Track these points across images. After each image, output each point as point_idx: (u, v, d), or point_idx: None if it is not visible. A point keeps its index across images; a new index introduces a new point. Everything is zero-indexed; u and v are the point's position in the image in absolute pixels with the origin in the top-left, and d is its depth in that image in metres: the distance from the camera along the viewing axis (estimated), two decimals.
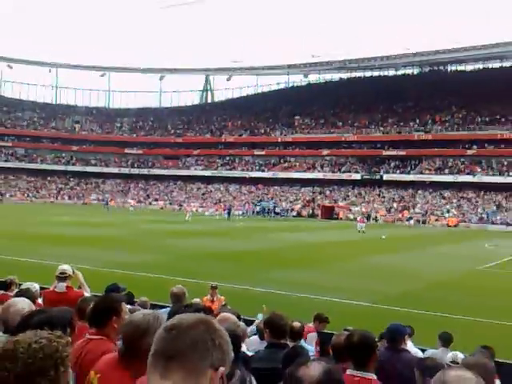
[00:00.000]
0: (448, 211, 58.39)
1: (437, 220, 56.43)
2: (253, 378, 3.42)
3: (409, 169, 66.52)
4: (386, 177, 66.13)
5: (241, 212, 58.61)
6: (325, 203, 64.65)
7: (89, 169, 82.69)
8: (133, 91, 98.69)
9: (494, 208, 57.25)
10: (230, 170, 77.39)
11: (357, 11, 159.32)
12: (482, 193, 60.01)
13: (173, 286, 6.63)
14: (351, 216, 58.16)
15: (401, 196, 64.18)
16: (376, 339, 5.90)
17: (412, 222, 56.25)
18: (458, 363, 4.70)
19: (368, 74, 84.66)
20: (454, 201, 60.56)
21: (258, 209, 63.01)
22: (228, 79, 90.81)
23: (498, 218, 55.04)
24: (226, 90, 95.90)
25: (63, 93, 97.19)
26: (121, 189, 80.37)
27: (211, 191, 75.23)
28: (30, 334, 1.53)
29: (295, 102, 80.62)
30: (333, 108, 78.29)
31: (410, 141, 66.90)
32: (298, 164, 74.11)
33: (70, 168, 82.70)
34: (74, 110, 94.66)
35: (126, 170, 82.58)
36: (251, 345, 5.40)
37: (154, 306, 7.21)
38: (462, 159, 64.13)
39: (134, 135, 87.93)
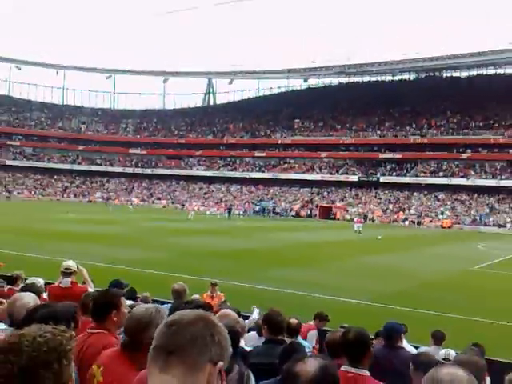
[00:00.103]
0: (442, 213, 58.40)
1: (431, 221, 56.42)
2: (250, 373, 3.42)
3: (405, 171, 66.52)
4: (382, 179, 66.14)
5: (241, 211, 58.61)
6: (323, 204, 64.68)
7: (94, 168, 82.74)
8: (137, 93, 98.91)
9: (487, 210, 57.25)
10: (231, 170, 77.42)
11: (356, 18, 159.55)
12: (476, 195, 60.00)
13: (174, 283, 6.63)
14: (348, 216, 58.19)
15: (396, 198, 64.18)
16: (371, 337, 5.91)
17: (407, 223, 56.29)
18: (450, 360, 4.70)
19: (366, 79, 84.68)
20: (448, 203, 60.56)
21: (257, 208, 63.03)
22: (230, 83, 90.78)
23: (491, 219, 55.03)
24: (227, 93, 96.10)
25: (70, 94, 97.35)
26: (125, 187, 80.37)
27: (213, 191, 75.23)
28: (35, 327, 1.53)
29: (295, 105, 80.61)
30: (331, 112, 78.28)
31: (406, 144, 66.90)
32: (297, 165, 74.13)
33: (76, 167, 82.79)
34: (80, 110, 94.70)
35: (130, 170, 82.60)
36: (249, 340, 5.39)
37: (155, 302, 7.21)
38: (456, 163, 64.14)
39: (138, 136, 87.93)
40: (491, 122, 64.85)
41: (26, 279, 7.10)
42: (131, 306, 3.93)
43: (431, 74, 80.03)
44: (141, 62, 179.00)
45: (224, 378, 1.35)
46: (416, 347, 6.75)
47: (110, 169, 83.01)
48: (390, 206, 62.33)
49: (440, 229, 52.73)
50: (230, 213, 53.63)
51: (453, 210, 58.84)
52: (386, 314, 12.20)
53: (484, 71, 76.14)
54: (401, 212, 60.15)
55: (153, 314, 2.50)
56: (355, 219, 44.78)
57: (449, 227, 53.68)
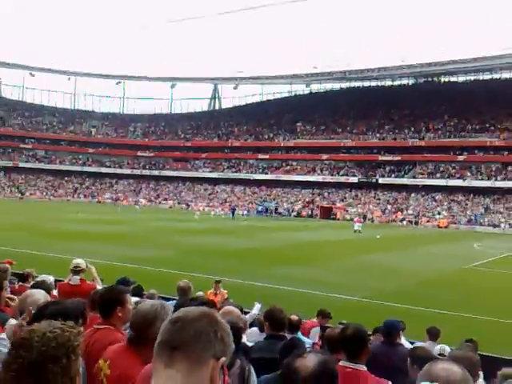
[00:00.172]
0: (439, 213, 58.26)
1: (428, 221, 56.29)
2: (252, 368, 3.42)
3: (403, 173, 66.40)
4: (381, 180, 66.03)
5: (245, 212, 58.58)
6: (323, 204, 64.63)
7: (103, 170, 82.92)
8: (146, 98, 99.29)
9: (482, 210, 57.09)
10: (236, 172, 77.45)
11: (356, 25, 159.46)
12: (472, 196, 59.84)
13: (179, 281, 6.63)
14: (348, 217, 58.13)
15: (395, 198, 64.05)
16: (369, 333, 5.89)
17: (405, 222, 56.19)
18: (445, 356, 4.68)
19: (366, 84, 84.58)
20: (445, 203, 60.41)
21: (260, 209, 63.01)
22: (235, 88, 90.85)
23: (486, 220, 54.86)
24: (232, 97, 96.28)
25: (81, 99, 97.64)
26: (133, 189, 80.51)
27: (217, 192, 75.26)
28: (45, 323, 1.54)
29: (297, 109, 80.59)
30: (332, 115, 78.21)
31: (404, 147, 66.80)
32: (299, 167, 74.09)
33: (86, 169, 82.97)
34: (90, 115, 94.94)
35: (138, 172, 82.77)
36: (251, 336, 5.39)
37: (161, 299, 7.21)
38: (452, 164, 63.98)
39: (146, 139, 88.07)
40: (487, 125, 64.68)
41: (36, 276, 7.12)
42: (137, 303, 3.93)
43: (429, 79, 79.89)
44: (149, 68, 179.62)
45: (226, 373, 1.36)
46: (412, 343, 6.74)
47: (118, 171, 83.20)
48: (389, 207, 62.22)
49: (437, 228, 52.61)
50: (233, 213, 53.64)
51: (449, 211, 58.70)
52: (384, 311, 12.19)
53: (480, 76, 75.95)
54: (399, 212, 60.04)
55: (158, 310, 2.51)
56: (355, 219, 44.69)
57: (445, 227, 53.54)
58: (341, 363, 3.03)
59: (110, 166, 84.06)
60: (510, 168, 59.85)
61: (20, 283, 6.89)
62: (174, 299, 6.56)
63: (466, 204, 59.23)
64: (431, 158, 65.10)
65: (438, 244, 33.88)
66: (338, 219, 58.98)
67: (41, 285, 4.93)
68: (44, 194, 74.21)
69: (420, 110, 70.50)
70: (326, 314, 7.46)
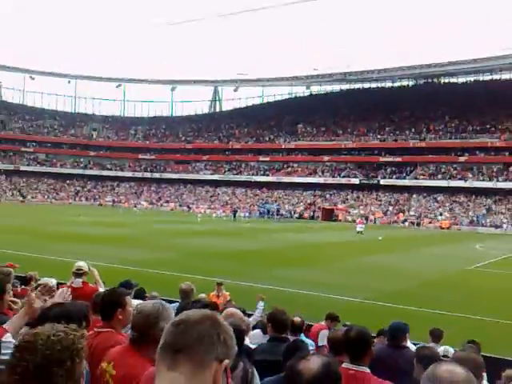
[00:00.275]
0: (441, 214, 58.20)
1: (430, 222, 56.22)
2: (255, 370, 3.42)
3: (404, 174, 66.37)
4: (382, 181, 66.01)
5: (247, 214, 58.54)
6: (325, 206, 64.60)
7: (105, 173, 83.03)
8: (146, 101, 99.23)
9: (484, 211, 57.02)
10: (237, 174, 77.47)
11: (356, 27, 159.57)
12: (473, 197, 59.79)
13: (181, 283, 6.63)
14: (350, 218, 58.10)
15: (396, 199, 64.01)
16: (373, 335, 5.87)
17: (407, 224, 56.13)
18: (448, 357, 4.67)
19: (366, 85, 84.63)
20: (447, 204, 60.35)
21: (261, 211, 62.99)
22: (235, 90, 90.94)
23: (488, 220, 54.80)
24: (233, 100, 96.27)
25: (82, 102, 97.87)
26: (134, 191, 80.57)
27: (219, 194, 75.28)
28: (48, 327, 1.54)
29: (298, 111, 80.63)
30: (333, 117, 78.23)
31: (405, 148, 66.80)
32: (300, 169, 74.09)
33: (88, 172, 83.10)
34: (91, 118, 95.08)
35: (139, 174, 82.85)
36: (254, 338, 5.39)
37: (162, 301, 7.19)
38: (454, 165, 63.94)
39: (147, 142, 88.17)
40: (488, 126, 64.65)
41: (39, 279, 7.12)
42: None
43: (429, 80, 79.91)
44: (149, 71, 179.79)
45: (229, 376, 1.36)
46: (415, 345, 6.73)
47: (120, 173, 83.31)
48: (390, 208, 62.19)
49: (439, 229, 52.55)
50: (235, 215, 53.65)
51: (451, 212, 58.64)
52: (386, 312, 12.18)
53: (481, 77, 75.95)
54: (401, 213, 59.99)
55: (160, 310, 2.55)
56: (357, 220, 44.68)
57: (447, 228, 53.50)
58: (344, 365, 3.03)
59: (111, 169, 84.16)
60: (511, 169, 59.80)
61: (22, 286, 6.89)
62: (176, 301, 6.54)
63: (468, 205, 59.17)
64: (432, 159, 65.08)
65: (440, 245, 33.83)
66: (340, 221, 58.97)
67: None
68: (45, 197, 74.29)
69: (420, 111, 70.49)
70: (335, 317, 7.47)
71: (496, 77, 74.30)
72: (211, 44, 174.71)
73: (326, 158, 72.36)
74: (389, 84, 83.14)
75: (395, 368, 4.18)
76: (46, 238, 25.01)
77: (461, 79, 77.79)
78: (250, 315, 7.17)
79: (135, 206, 63.30)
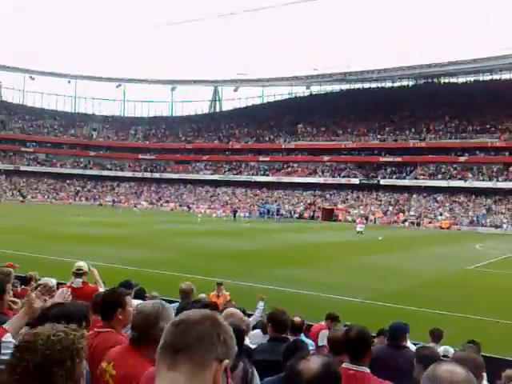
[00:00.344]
0: (441, 214, 58.20)
1: (430, 222, 56.22)
2: (255, 370, 3.42)
3: (404, 174, 66.37)
4: (382, 181, 66.02)
5: (247, 214, 58.51)
6: (325, 206, 64.61)
7: (105, 173, 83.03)
8: (146, 101, 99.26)
9: (484, 211, 57.02)
10: (237, 174, 77.48)
11: (356, 27, 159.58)
12: (473, 197, 59.79)
13: (181, 283, 6.63)
14: (350, 218, 58.11)
15: (396, 199, 64.01)
16: (374, 335, 5.86)
17: (407, 224, 56.13)
18: (448, 357, 4.67)
19: (366, 85, 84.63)
20: (447, 204, 60.35)
21: (261, 211, 62.98)
22: (235, 90, 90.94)
23: (488, 220, 54.80)
24: (233, 100, 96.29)
25: (82, 102, 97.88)
26: (134, 191, 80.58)
27: (219, 194, 75.29)
28: (48, 327, 1.54)
29: (298, 111, 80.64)
30: (333, 117, 78.23)
31: (405, 148, 66.81)
32: (300, 169, 74.09)
33: (88, 172, 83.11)
34: (91, 118, 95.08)
35: (139, 174, 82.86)
36: (255, 338, 5.39)
37: (162, 301, 7.19)
38: (454, 165, 63.95)
39: (147, 142, 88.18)
40: (488, 126, 64.66)
41: (39, 279, 7.11)
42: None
43: (429, 80, 79.92)
44: (149, 71, 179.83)
45: (229, 376, 1.36)
46: (415, 345, 6.73)
47: (120, 173, 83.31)
48: (390, 208, 62.19)
49: (439, 229, 52.54)
50: (235, 215, 53.66)
51: (451, 212, 58.64)
52: (386, 312, 12.18)
53: (480, 77, 75.96)
54: (401, 213, 59.99)
55: (160, 310, 2.56)
56: (357, 220, 44.68)
57: (447, 228, 53.50)
58: (344, 365, 3.03)
59: (111, 169, 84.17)
60: (511, 169, 59.81)
61: (22, 286, 6.89)
62: (176, 301, 6.54)
63: (468, 205, 59.18)
64: (432, 159, 65.09)
65: (440, 245, 33.82)
66: (340, 221, 58.98)
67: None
68: (45, 197, 74.29)
69: (420, 111, 70.49)
70: (335, 317, 7.47)
71: (496, 77, 74.31)
72: (211, 44, 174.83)
73: (326, 158, 72.38)
74: (389, 84, 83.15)
75: (395, 368, 4.18)
76: (45, 238, 25.01)
77: (461, 79, 77.82)
78: (250, 315, 7.17)
79: (135, 206, 63.32)
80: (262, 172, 76.26)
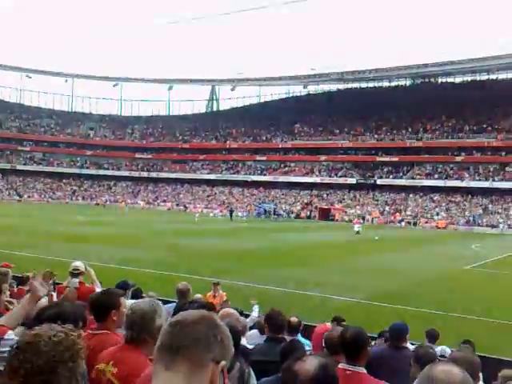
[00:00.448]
0: (437, 214, 58.29)
1: (427, 222, 56.31)
2: (251, 370, 3.42)
3: (401, 174, 66.46)
4: (379, 181, 66.09)
5: (244, 213, 58.43)
6: (322, 205, 64.63)
7: (101, 172, 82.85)
8: (143, 100, 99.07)
9: (481, 211, 57.15)
10: (234, 173, 77.45)
11: (353, 27, 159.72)
12: (470, 197, 59.91)
13: (178, 283, 6.63)
14: (346, 218, 58.16)
15: (393, 199, 64.08)
16: (374, 336, 5.87)
17: (403, 223, 56.20)
18: (445, 358, 4.68)
19: (363, 85, 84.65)
20: (443, 204, 60.46)
21: (258, 210, 62.92)
22: (232, 89, 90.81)
23: (484, 220, 54.91)
24: (230, 99, 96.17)
25: (78, 101, 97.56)
26: (131, 191, 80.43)
27: (216, 193, 75.22)
28: (46, 327, 1.54)
29: (295, 110, 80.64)
30: (330, 116, 78.27)
31: (402, 148, 66.91)
32: (297, 169, 74.12)
33: (84, 171, 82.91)
34: (88, 117, 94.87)
35: (136, 174, 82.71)
36: (252, 339, 5.39)
37: (159, 301, 7.18)
38: (450, 165, 64.07)
39: (144, 141, 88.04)
40: (484, 125, 64.81)
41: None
42: None
43: (426, 79, 80.00)
44: (146, 70, 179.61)
45: (226, 376, 1.36)
46: (412, 344, 6.74)
47: (116, 173, 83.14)
48: (387, 208, 62.24)
49: (435, 229, 52.63)
50: (231, 215, 53.64)
51: (447, 211, 58.75)
52: (383, 312, 12.20)
53: (477, 77, 76.08)
54: (397, 213, 60.06)
55: (154, 307, 2.61)
56: (354, 220, 44.70)
57: (444, 228, 53.59)
58: (340, 366, 3.03)
59: (108, 168, 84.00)
60: (508, 168, 59.97)
61: (19, 286, 6.88)
62: (173, 302, 6.54)
63: (465, 205, 59.29)
64: (429, 158, 65.20)
65: (436, 245, 33.89)
66: (337, 220, 59.01)
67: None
68: (42, 196, 74.09)
69: (417, 110, 70.56)
70: (341, 319, 7.50)
71: (493, 77, 74.45)
72: (208, 43, 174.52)
73: (322, 158, 72.42)
74: (386, 83, 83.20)
75: (396, 369, 4.19)
76: (42, 238, 24.95)
77: (458, 79, 77.94)
78: (246, 315, 7.17)
79: (128, 205, 63.16)
80: (259, 171, 76.25)
